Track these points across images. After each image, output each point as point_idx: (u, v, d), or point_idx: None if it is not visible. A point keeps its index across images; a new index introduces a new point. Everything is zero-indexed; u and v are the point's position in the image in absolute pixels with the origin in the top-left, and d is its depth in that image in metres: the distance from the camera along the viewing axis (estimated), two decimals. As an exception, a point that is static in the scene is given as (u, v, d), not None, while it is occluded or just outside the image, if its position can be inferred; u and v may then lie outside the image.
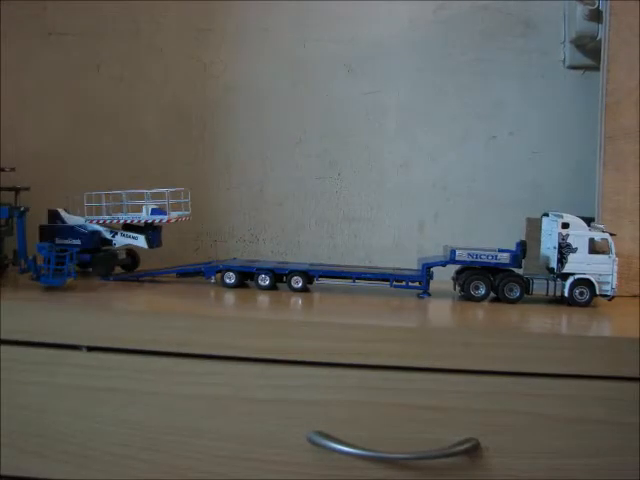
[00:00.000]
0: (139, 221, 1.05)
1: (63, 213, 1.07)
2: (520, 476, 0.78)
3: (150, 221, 1.05)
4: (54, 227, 1.06)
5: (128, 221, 1.06)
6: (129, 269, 1.09)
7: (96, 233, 1.06)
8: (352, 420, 0.79)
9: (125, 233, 1.06)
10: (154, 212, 1.05)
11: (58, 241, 1.04)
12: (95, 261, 1.04)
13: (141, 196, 1.06)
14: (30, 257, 0.96)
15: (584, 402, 0.77)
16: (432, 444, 0.78)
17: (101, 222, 1.06)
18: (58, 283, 0.94)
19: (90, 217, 1.06)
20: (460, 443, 0.77)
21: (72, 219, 1.06)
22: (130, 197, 1.06)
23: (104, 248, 1.06)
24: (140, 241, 1.05)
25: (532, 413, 0.77)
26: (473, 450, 0.77)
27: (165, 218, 1.04)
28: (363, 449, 0.77)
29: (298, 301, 0.96)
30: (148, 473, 0.81)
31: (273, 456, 0.80)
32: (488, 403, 0.78)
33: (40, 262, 0.96)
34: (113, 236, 1.06)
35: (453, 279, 1.01)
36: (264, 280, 1.00)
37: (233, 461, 0.80)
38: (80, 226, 1.05)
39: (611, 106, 1.07)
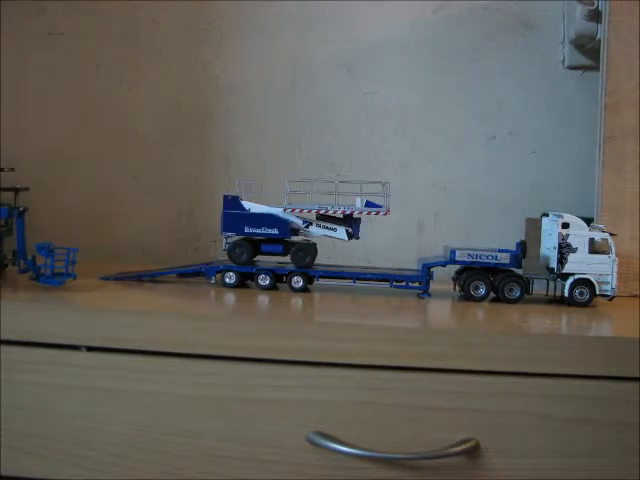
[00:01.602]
0: (352, 211, 1.00)
1: (244, 201, 1.01)
2: (520, 476, 0.78)
3: (365, 213, 1.00)
4: (245, 215, 1.00)
5: (338, 211, 1.00)
6: None
7: (289, 223, 1.01)
8: (352, 420, 0.79)
9: (322, 224, 1.01)
10: (369, 204, 1.00)
11: (248, 230, 1.00)
12: (297, 250, 1.00)
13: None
14: (29, 257, 0.96)
15: (584, 402, 0.77)
16: (432, 444, 0.78)
17: (306, 211, 1.00)
18: (57, 283, 0.94)
19: (292, 205, 1.00)
20: (460, 443, 0.77)
21: (256, 207, 1.01)
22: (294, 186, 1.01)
23: (293, 239, 1.01)
24: (339, 233, 1.01)
25: (532, 413, 0.77)
26: (473, 450, 0.77)
27: (383, 210, 1.00)
28: (363, 449, 0.77)
29: (298, 301, 0.95)
30: (148, 473, 0.81)
31: (273, 456, 0.80)
32: (488, 403, 0.78)
33: (39, 262, 0.96)
34: (307, 227, 1.01)
35: (453, 279, 1.01)
36: (264, 280, 1.00)
37: (233, 461, 0.80)
38: (276, 215, 1.00)
39: (610, 106, 1.07)
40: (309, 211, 1.01)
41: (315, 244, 1.02)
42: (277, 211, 1.01)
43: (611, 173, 1.07)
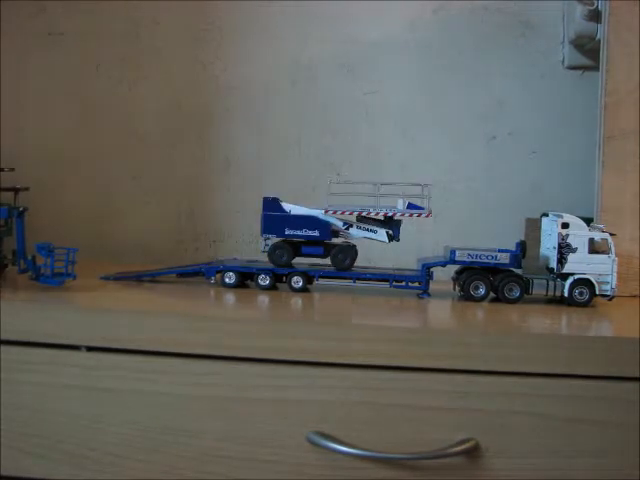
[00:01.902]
0: (394, 213, 0.99)
1: (284, 203, 1.00)
2: (520, 476, 0.78)
3: (408, 215, 0.99)
4: (286, 216, 1.00)
5: (381, 213, 0.99)
6: None
7: (329, 224, 1.00)
8: (352, 420, 0.79)
9: (362, 226, 1.00)
10: (411, 206, 0.99)
11: (288, 232, 0.99)
12: (337, 252, 0.99)
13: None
14: (29, 257, 0.96)
15: (584, 402, 0.77)
16: (432, 444, 0.78)
17: (347, 213, 0.99)
18: (57, 283, 0.94)
19: (334, 207, 0.99)
20: (460, 443, 0.77)
21: (296, 209, 1.00)
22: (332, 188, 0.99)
23: (332, 241, 1.00)
24: (380, 235, 1.00)
25: (532, 413, 0.77)
26: (473, 450, 0.77)
27: (425, 212, 0.99)
28: (363, 449, 0.77)
29: (298, 301, 0.95)
30: (147, 473, 0.81)
31: (273, 456, 0.80)
32: (488, 403, 0.78)
33: (39, 262, 0.95)
34: (347, 228, 1.00)
35: (453, 279, 1.01)
36: (264, 280, 1.00)
37: (233, 461, 0.80)
38: (317, 217, 1.00)
39: (610, 106, 1.07)
40: (350, 213, 1.00)
41: (355, 246, 1.01)
42: (318, 213, 1.00)
43: (611, 173, 1.07)
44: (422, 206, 1.00)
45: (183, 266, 1.07)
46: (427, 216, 1.00)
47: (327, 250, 1.01)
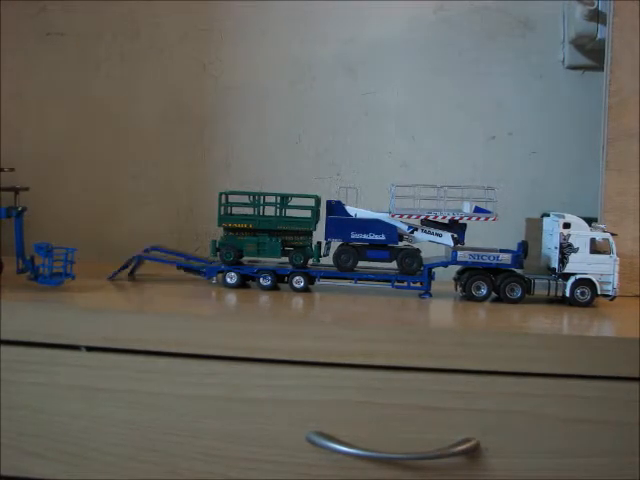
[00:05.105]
0: (461, 217, 0.98)
1: (347, 206, 0.99)
2: (520, 476, 0.78)
3: (475, 219, 0.98)
4: (352, 220, 0.98)
5: (448, 217, 0.98)
6: None
7: (395, 228, 0.98)
8: (352, 420, 0.79)
9: (427, 229, 0.99)
10: (477, 210, 0.98)
11: (354, 235, 0.98)
12: (404, 256, 0.97)
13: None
14: (28, 257, 0.96)
15: (584, 402, 0.77)
16: (432, 444, 0.78)
17: (414, 217, 0.98)
18: (56, 283, 0.94)
19: (400, 211, 0.98)
20: (460, 443, 0.77)
21: (361, 212, 0.99)
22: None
23: (399, 245, 0.99)
24: (445, 239, 0.98)
25: (532, 413, 0.77)
26: (473, 450, 0.77)
27: (492, 216, 0.97)
28: (363, 449, 0.77)
29: (299, 301, 0.95)
30: (148, 473, 0.81)
31: (273, 456, 0.80)
32: (488, 403, 0.78)
33: (38, 262, 0.95)
34: (412, 232, 0.99)
35: (455, 280, 1.01)
36: (265, 280, 1.00)
37: (233, 461, 0.80)
38: (383, 220, 0.98)
39: (614, 107, 1.07)
40: (417, 217, 0.99)
41: (419, 250, 1.00)
42: (383, 216, 0.99)
43: (614, 174, 1.07)
44: (488, 209, 0.98)
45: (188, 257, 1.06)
46: (494, 220, 0.98)
47: (392, 254, 0.99)
